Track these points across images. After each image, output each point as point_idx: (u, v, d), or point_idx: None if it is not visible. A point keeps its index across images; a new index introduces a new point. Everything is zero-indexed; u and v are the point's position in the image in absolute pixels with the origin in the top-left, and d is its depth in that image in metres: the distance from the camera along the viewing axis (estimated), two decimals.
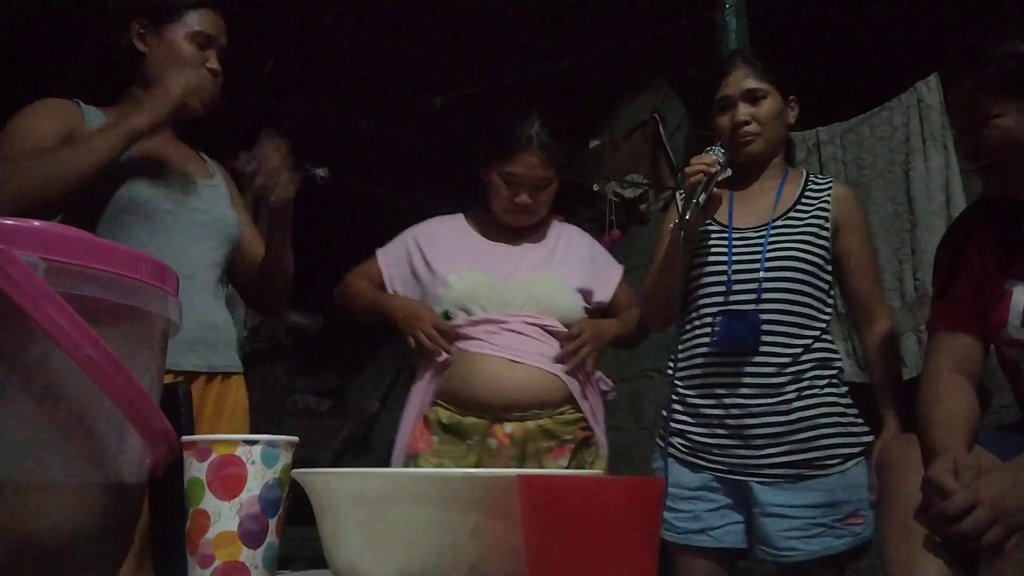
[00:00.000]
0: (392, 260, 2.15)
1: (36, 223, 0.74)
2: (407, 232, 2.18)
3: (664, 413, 1.90)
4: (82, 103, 1.70)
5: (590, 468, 1.96)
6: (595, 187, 3.97)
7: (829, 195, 1.87)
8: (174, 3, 1.72)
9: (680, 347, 1.90)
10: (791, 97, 1.92)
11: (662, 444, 1.89)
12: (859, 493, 1.75)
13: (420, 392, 2.03)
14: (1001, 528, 1.21)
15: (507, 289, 2.00)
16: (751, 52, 1.96)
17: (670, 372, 1.87)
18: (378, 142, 4.10)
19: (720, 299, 1.84)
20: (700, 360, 1.84)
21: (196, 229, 1.73)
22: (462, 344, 1.97)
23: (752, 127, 1.86)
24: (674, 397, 1.87)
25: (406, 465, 1.94)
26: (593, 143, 4.25)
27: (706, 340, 1.83)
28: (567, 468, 1.93)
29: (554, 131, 2.01)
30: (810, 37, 3.13)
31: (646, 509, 0.68)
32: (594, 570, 0.65)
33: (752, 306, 1.80)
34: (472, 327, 1.97)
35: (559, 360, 1.96)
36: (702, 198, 1.73)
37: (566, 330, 1.99)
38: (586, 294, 2.08)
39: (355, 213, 4.27)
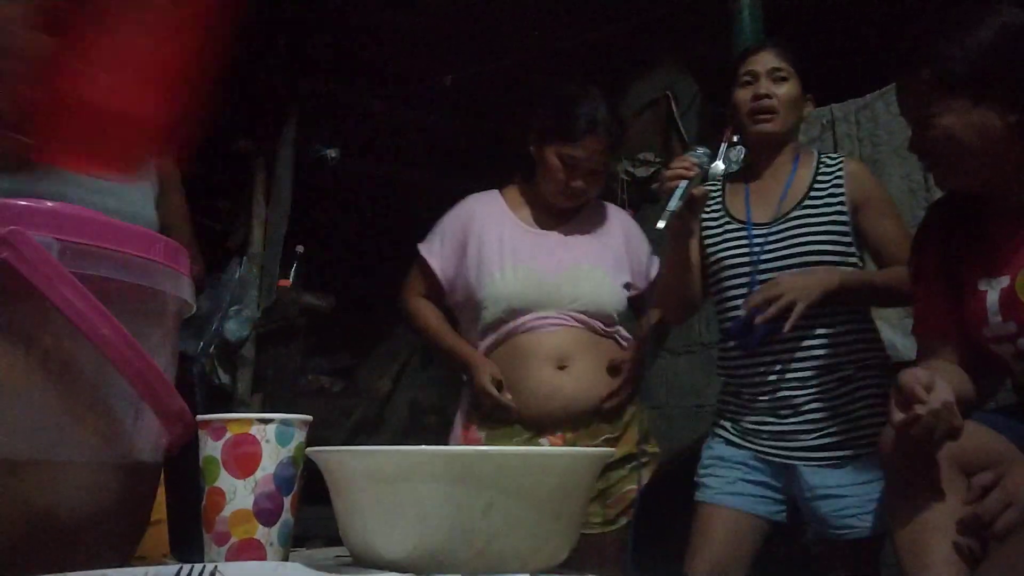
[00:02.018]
0: (443, 264, 2.06)
1: (49, 204, 0.74)
2: (448, 221, 2.09)
3: (719, 402, 1.96)
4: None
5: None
6: None
7: (841, 174, 1.86)
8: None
9: (723, 343, 1.94)
10: (808, 95, 1.90)
11: (713, 427, 1.96)
12: None
13: (467, 396, 2.03)
14: (1015, 512, 1.22)
15: (552, 286, 1.95)
16: (780, 38, 1.95)
17: (719, 367, 1.96)
18: (389, 122, 4.09)
19: (746, 295, 1.84)
20: (738, 352, 1.87)
21: None
22: (505, 346, 1.95)
23: (772, 102, 1.84)
24: (726, 388, 1.94)
25: None
26: None
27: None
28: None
29: (617, 116, 1.97)
30: (825, 13, 3.09)
31: None
32: None
33: None
34: (516, 325, 1.95)
35: (604, 401, 1.93)
36: (677, 205, 1.69)
37: (606, 330, 1.98)
38: (628, 286, 2.04)
39: (366, 193, 4.27)
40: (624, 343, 2.02)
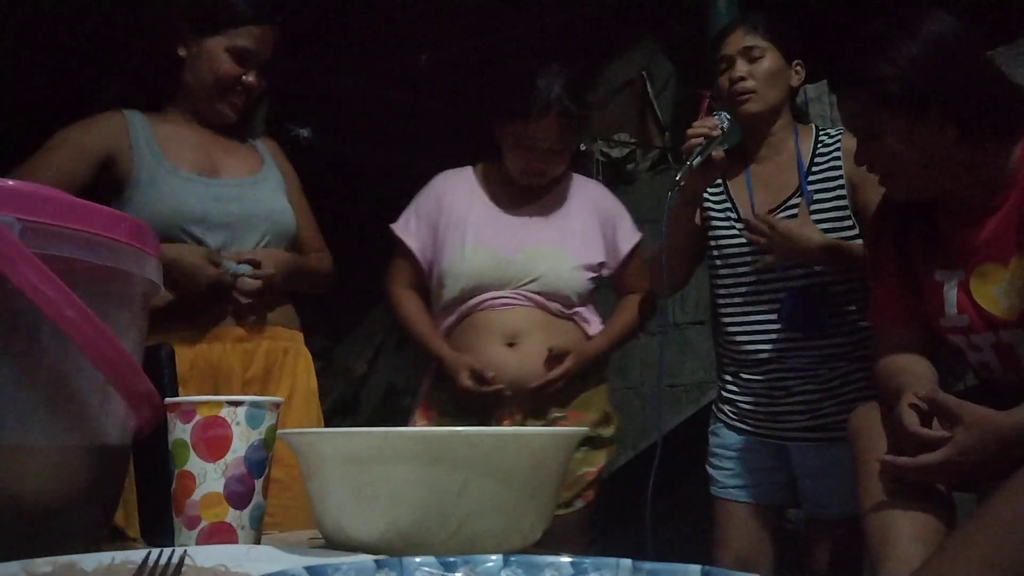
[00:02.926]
0: (420, 243, 2.05)
1: (11, 182, 0.72)
2: (421, 199, 2.09)
3: (719, 385, 2.00)
4: (127, 111, 1.72)
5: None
6: (582, 146, 3.95)
7: (839, 153, 1.85)
8: (219, 16, 1.71)
9: (725, 328, 1.95)
10: (796, 61, 1.89)
11: (714, 410, 2.01)
12: None
13: (429, 380, 2.04)
14: (960, 466, 1.25)
15: (511, 266, 1.95)
16: (754, 11, 1.93)
17: (719, 350, 2.00)
18: (362, 101, 4.06)
19: (746, 286, 1.87)
20: (749, 338, 1.89)
21: (241, 230, 1.71)
22: (462, 325, 1.97)
23: (748, 83, 1.84)
24: (727, 372, 1.96)
25: None
26: None
27: (747, 320, 1.88)
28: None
29: (576, 94, 1.92)
30: None
31: None
32: None
33: (804, 282, 1.82)
34: (472, 304, 1.96)
35: (538, 387, 1.92)
36: (696, 162, 1.70)
37: (564, 311, 1.97)
38: (595, 267, 2.02)
39: (340, 173, 4.24)
40: (585, 325, 2.02)
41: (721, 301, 1.94)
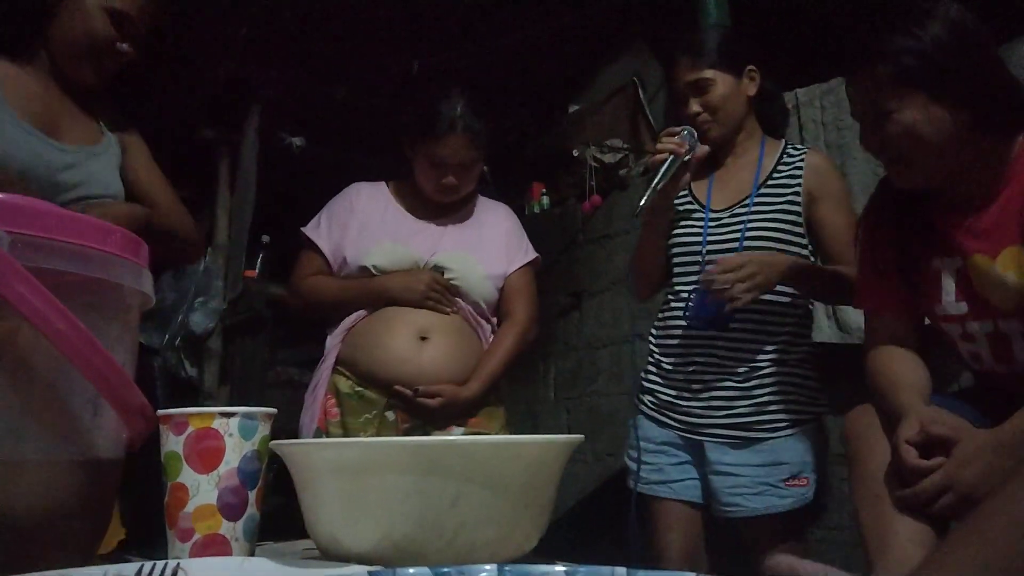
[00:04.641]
0: (330, 244, 2.08)
1: (1, 196, 0.72)
2: (334, 203, 2.14)
3: (642, 374, 2.00)
4: None
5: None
6: (575, 152, 3.95)
7: (802, 165, 1.87)
8: None
9: (660, 316, 1.99)
10: (749, 68, 1.89)
11: (636, 402, 2.00)
12: (804, 456, 1.82)
13: (325, 364, 2.04)
14: (953, 497, 1.25)
15: (423, 266, 2.00)
16: (693, 37, 1.92)
17: (650, 339, 1.99)
18: (355, 110, 4.05)
19: (695, 278, 1.86)
20: (677, 331, 1.91)
21: (70, 200, 1.59)
22: (372, 316, 1.98)
23: (704, 117, 1.86)
24: (650, 360, 1.98)
25: (316, 437, 1.95)
26: (572, 108, 4.22)
27: (680, 314, 1.89)
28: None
29: (479, 112, 1.99)
30: None
31: None
32: None
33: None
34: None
35: (410, 406, 1.93)
36: (660, 185, 1.74)
37: (475, 319, 2.01)
38: (500, 280, 2.07)
39: (333, 182, 4.23)
40: (486, 342, 2.04)
41: (670, 295, 1.96)
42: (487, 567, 0.60)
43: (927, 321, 1.52)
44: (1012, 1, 2.19)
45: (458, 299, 2.00)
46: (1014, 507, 1.05)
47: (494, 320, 2.09)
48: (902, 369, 1.46)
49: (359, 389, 1.97)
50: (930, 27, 1.34)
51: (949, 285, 1.42)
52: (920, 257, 1.47)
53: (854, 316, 2.62)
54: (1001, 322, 1.38)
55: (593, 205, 3.80)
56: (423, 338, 1.94)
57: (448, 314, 1.97)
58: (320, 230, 2.10)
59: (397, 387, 1.91)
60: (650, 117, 3.75)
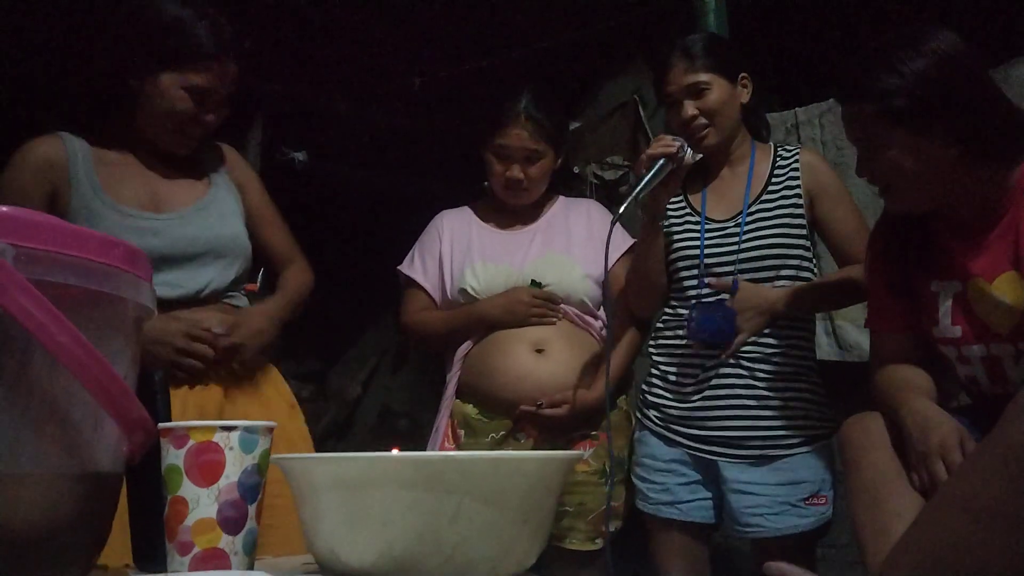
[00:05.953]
0: (427, 277, 2.10)
1: (4, 208, 0.72)
2: (423, 237, 2.15)
3: (644, 387, 1.95)
4: (66, 135, 1.66)
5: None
6: (575, 169, 3.96)
7: (797, 165, 1.87)
8: (176, 51, 1.62)
9: (660, 328, 1.95)
10: (742, 76, 1.88)
11: (639, 416, 1.95)
12: (822, 474, 1.79)
13: (446, 394, 2.03)
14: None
15: (520, 277, 1.99)
16: (688, 42, 1.88)
17: (651, 352, 1.95)
18: (357, 124, 4.07)
19: (694, 291, 1.85)
20: (681, 343, 1.88)
21: (194, 256, 1.66)
22: (486, 340, 1.97)
23: (701, 121, 1.83)
24: (654, 373, 1.92)
25: None
26: (573, 125, 4.23)
27: (681, 328, 1.86)
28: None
29: (544, 104, 2.01)
30: (788, 16, 3.12)
31: None
32: None
33: (727, 297, 1.81)
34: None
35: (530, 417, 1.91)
36: (643, 195, 1.73)
37: (581, 319, 1.98)
38: (598, 278, 2.02)
39: (335, 196, 4.24)
40: (598, 338, 2.01)
41: (670, 307, 1.94)
42: None
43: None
44: (1011, 22, 2.21)
45: (561, 305, 1.98)
46: (964, 490, 1.05)
47: (601, 313, 2.03)
48: (909, 374, 1.47)
49: (480, 416, 1.96)
50: (914, 63, 1.34)
51: (946, 308, 1.43)
52: (919, 281, 1.48)
53: (853, 333, 2.62)
54: (994, 346, 1.39)
55: None
56: (539, 351, 1.93)
57: (556, 323, 1.96)
58: (415, 266, 2.12)
59: (522, 407, 1.89)
60: (651, 134, 3.75)
